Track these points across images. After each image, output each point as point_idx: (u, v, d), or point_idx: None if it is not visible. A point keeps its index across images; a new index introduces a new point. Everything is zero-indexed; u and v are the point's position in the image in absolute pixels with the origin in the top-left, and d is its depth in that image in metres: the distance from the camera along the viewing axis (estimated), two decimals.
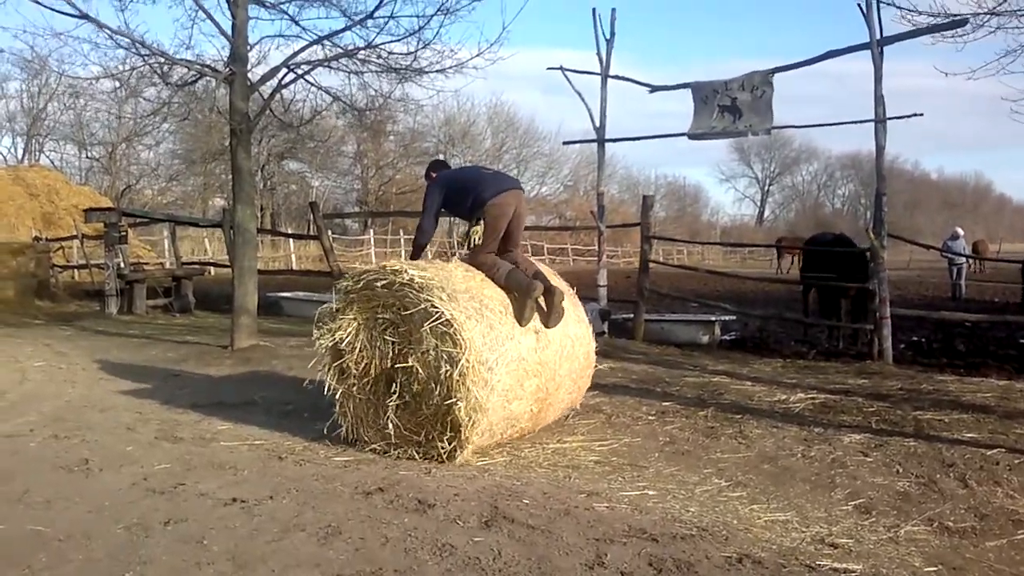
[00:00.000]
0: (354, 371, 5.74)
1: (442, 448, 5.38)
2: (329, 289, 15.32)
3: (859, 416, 6.88)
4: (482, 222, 6.05)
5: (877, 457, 5.71)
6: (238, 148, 10.42)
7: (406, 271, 5.52)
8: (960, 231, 22.27)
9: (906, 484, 5.21)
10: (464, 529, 4.14)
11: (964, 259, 21.18)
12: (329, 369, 5.87)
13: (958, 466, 5.49)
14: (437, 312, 5.28)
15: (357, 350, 5.71)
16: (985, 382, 8.48)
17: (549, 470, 5.38)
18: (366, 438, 5.74)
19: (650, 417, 6.85)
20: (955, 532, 4.46)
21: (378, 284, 5.60)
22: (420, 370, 5.42)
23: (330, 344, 5.82)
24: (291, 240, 32.96)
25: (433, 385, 5.35)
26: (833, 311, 11.88)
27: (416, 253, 6.47)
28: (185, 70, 10.45)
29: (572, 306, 6.44)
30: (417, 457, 5.46)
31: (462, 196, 6.20)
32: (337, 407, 5.88)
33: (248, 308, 10.53)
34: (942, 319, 12.58)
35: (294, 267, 29.07)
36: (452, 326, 5.26)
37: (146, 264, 16.91)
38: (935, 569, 3.91)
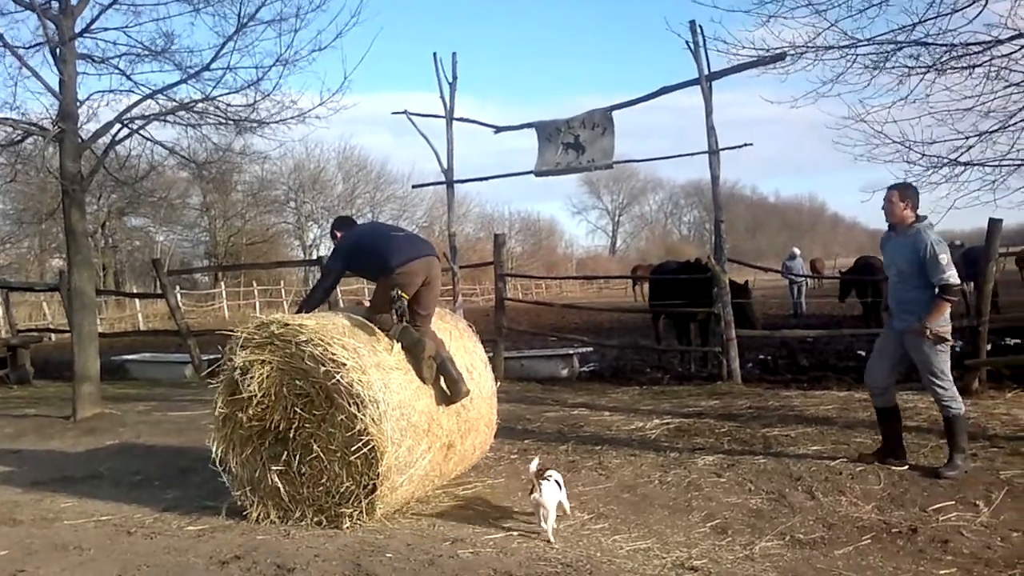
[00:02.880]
0: (245, 432, 5.44)
1: (347, 513, 5.14)
2: (178, 348, 14.87)
3: (712, 438, 7.11)
4: (382, 286, 5.71)
5: (730, 477, 5.91)
6: (71, 209, 9.95)
7: (304, 327, 5.24)
8: (797, 251, 23.33)
9: (758, 501, 5.41)
10: None
11: (803, 278, 22.21)
12: (221, 431, 5.51)
13: (805, 479, 5.74)
14: (341, 373, 5.05)
15: (251, 409, 5.34)
16: (827, 394, 8.92)
17: (413, 520, 5.33)
18: (257, 504, 5.41)
19: (512, 456, 6.89)
20: (806, 544, 4.66)
21: (278, 339, 5.26)
22: (323, 433, 5.18)
23: (222, 404, 5.47)
24: (137, 300, 31.65)
25: (338, 448, 5.12)
26: (683, 336, 12.30)
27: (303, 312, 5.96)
28: (10, 130, 9.94)
29: (472, 344, 6.42)
30: (323, 521, 5.19)
31: (368, 261, 5.84)
32: (227, 471, 5.53)
33: (90, 375, 10.03)
34: (784, 337, 13.18)
35: (141, 327, 27.91)
36: (359, 388, 5.03)
37: None
38: None
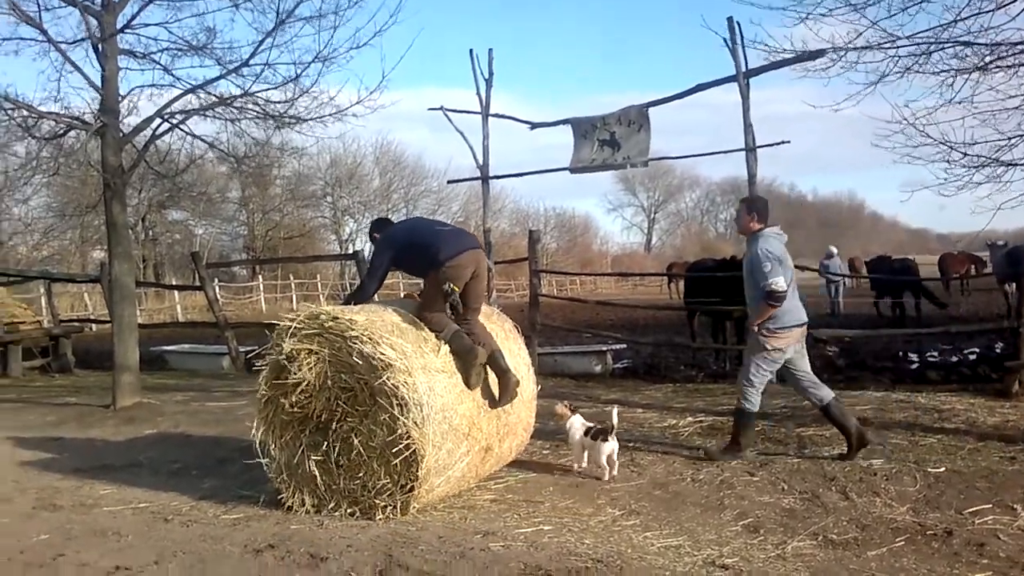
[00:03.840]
0: (287, 417, 5.48)
1: (381, 506, 5.19)
2: (216, 340, 15.06)
3: None
4: (431, 283, 5.70)
5: (763, 475, 5.89)
6: (112, 201, 10.11)
7: (355, 322, 5.23)
8: (834, 250, 22.95)
9: (791, 500, 5.38)
10: None
11: (840, 277, 21.91)
12: (262, 412, 5.56)
13: (839, 479, 5.70)
14: (388, 374, 5.05)
15: (294, 396, 5.38)
16: (863, 395, 8.84)
17: (444, 513, 5.36)
18: (292, 490, 5.46)
19: (544, 451, 6.90)
20: (839, 544, 4.62)
21: (328, 332, 5.27)
22: (364, 429, 5.21)
23: (266, 386, 5.50)
24: (176, 291, 32.03)
25: (378, 446, 5.15)
26: (718, 334, 12.25)
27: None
28: (53, 123, 10.11)
29: (517, 347, 6.38)
30: (357, 513, 5.24)
31: (416, 256, 5.82)
32: (267, 460, 5.57)
33: (130, 365, 10.19)
34: (821, 336, 13.04)
35: (180, 319, 28.25)
36: (404, 391, 5.04)
37: (22, 323, 16.10)
38: None
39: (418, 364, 5.23)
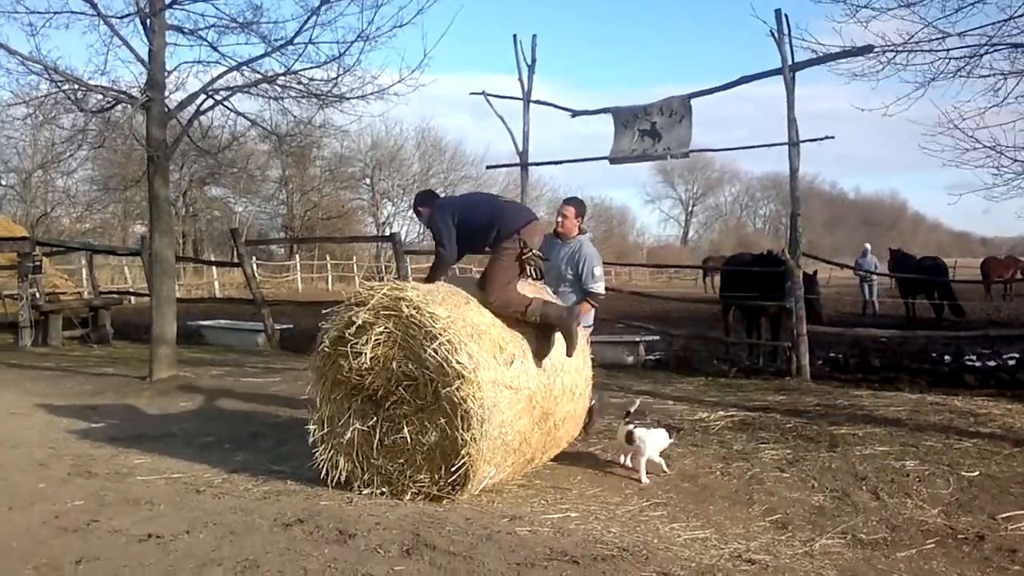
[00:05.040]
0: (343, 377, 5.37)
1: (412, 491, 5.20)
2: (252, 317, 15.22)
3: (777, 432, 7.03)
4: (501, 256, 5.59)
5: (793, 472, 5.84)
6: (155, 176, 10.24)
7: (436, 319, 5.08)
8: (868, 247, 22.37)
9: (821, 498, 5.34)
10: (385, 558, 4.11)
11: (875, 276, 21.48)
12: (318, 363, 5.47)
13: (870, 479, 5.65)
14: (459, 384, 4.95)
15: (355, 361, 5.25)
16: (898, 396, 8.74)
17: (472, 495, 5.38)
18: (329, 450, 5.42)
19: (575, 441, 6.89)
20: (867, 544, 4.58)
21: (407, 321, 5.12)
22: (418, 421, 5.17)
23: (329, 342, 5.39)
24: (214, 267, 32.40)
25: (427, 444, 5.13)
26: (753, 329, 12.17)
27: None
28: (100, 97, 10.24)
29: (584, 364, 6.18)
30: (387, 493, 5.24)
31: (482, 225, 5.66)
32: (318, 435, 5.48)
33: (167, 338, 10.33)
34: (857, 336, 12.93)
35: (217, 294, 28.58)
36: (471, 404, 4.95)
37: (63, 294, 16.36)
38: None
39: (488, 378, 5.08)
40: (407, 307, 5.15)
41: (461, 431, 4.97)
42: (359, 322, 5.24)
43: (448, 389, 4.98)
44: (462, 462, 4.99)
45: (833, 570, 4.18)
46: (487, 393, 5.04)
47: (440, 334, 5.03)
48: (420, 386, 5.15)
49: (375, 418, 5.32)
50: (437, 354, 5.00)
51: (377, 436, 5.29)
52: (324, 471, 5.43)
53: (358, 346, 5.23)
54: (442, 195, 7.02)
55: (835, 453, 6.32)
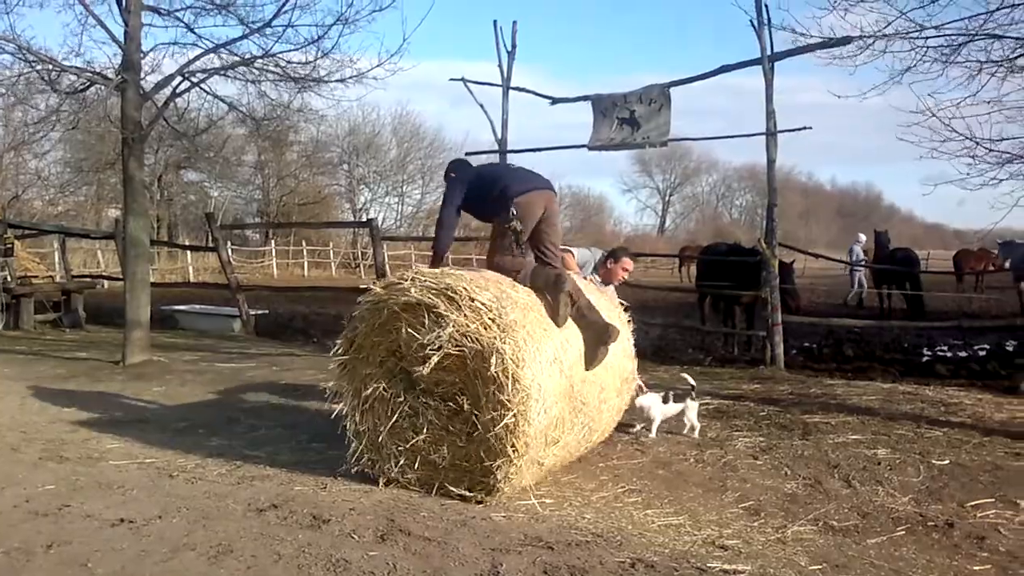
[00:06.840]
0: (376, 340, 5.14)
1: (480, 487, 4.92)
2: (225, 302, 15.14)
3: (751, 420, 7.09)
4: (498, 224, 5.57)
5: (767, 460, 5.89)
6: (130, 158, 10.14)
7: (507, 330, 4.76)
8: (863, 237, 22.02)
9: (794, 486, 5.38)
10: (359, 544, 4.10)
11: (862, 266, 21.33)
12: (351, 325, 5.22)
13: (842, 467, 5.70)
14: (511, 416, 4.69)
15: (391, 336, 5.07)
16: (871, 385, 8.84)
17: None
18: (346, 402, 5.24)
19: None
20: (839, 531, 4.62)
21: (469, 333, 4.79)
22: (443, 425, 4.98)
23: (367, 307, 5.14)
24: (188, 252, 32.17)
25: (449, 451, 4.96)
26: (728, 318, 12.24)
27: (437, 260, 5.74)
28: (75, 77, 10.12)
29: (625, 356, 6.11)
30: (453, 493, 4.95)
31: (486, 191, 5.61)
32: (353, 425, 5.24)
33: (141, 322, 10.25)
34: (831, 326, 13.02)
35: (191, 279, 28.39)
36: (518, 438, 4.71)
37: (35, 277, 16.20)
38: (819, 567, 4.05)
39: (537, 408, 4.79)
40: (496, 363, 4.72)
41: (498, 467, 4.77)
42: (415, 300, 4.94)
43: (496, 415, 4.72)
44: (487, 488, 4.85)
45: (805, 556, 4.22)
46: (536, 425, 4.79)
47: (506, 350, 4.71)
48: (459, 394, 4.93)
49: (400, 397, 5.09)
50: (499, 375, 4.69)
51: (393, 416, 5.08)
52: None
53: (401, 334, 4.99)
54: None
55: (808, 441, 6.38)
